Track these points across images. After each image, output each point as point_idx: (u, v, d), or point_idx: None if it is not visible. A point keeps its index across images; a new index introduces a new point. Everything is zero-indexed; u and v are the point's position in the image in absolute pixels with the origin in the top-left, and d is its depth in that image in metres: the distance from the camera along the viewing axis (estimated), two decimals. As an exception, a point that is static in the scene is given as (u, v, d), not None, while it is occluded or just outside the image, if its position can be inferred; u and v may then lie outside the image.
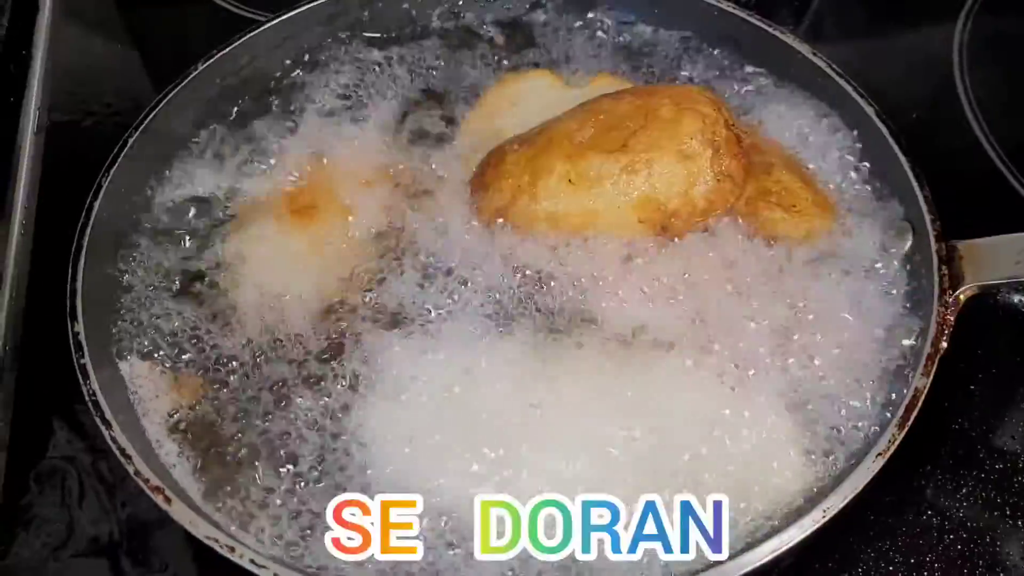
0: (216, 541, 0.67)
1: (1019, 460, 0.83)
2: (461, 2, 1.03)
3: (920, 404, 0.72)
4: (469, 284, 0.83)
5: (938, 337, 0.75)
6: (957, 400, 0.86)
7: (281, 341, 0.81)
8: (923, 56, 1.16)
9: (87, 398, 0.73)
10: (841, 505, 0.68)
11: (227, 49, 0.95)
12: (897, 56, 1.17)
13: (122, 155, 0.87)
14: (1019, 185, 1.02)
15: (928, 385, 0.73)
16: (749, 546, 0.68)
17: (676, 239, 0.84)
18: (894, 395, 0.76)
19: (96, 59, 1.17)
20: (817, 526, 0.67)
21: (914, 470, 0.82)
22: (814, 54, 0.94)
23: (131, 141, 0.88)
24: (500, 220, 0.86)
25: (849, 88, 0.91)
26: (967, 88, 1.11)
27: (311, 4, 0.99)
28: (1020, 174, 1.03)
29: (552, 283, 0.83)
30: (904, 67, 1.14)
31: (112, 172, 0.86)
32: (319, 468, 0.75)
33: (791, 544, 0.67)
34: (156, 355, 0.81)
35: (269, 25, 0.97)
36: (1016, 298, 0.91)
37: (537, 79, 0.98)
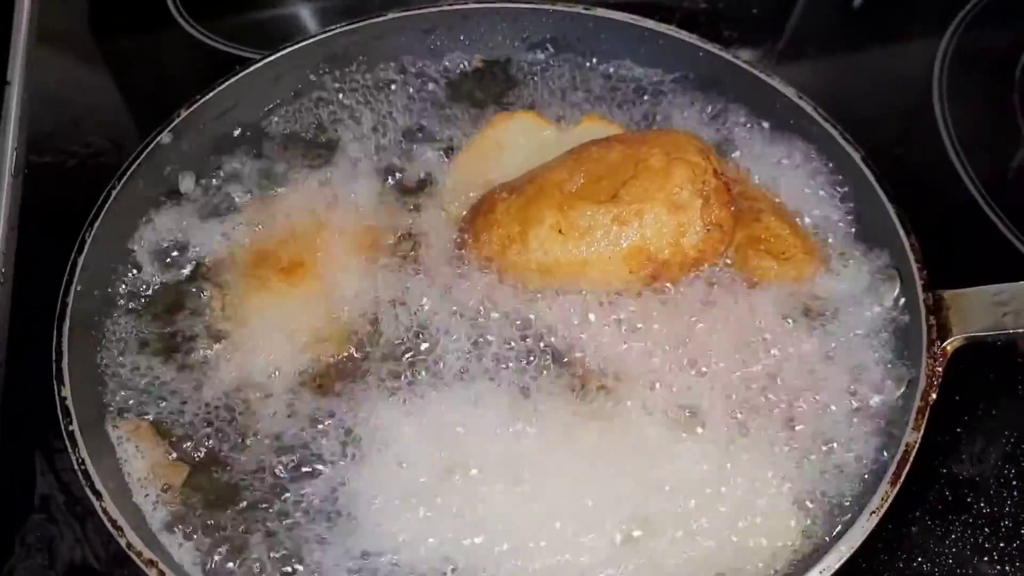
0: (212, 616, 0.66)
1: (1006, 504, 0.84)
2: (447, 43, 1.02)
3: (912, 459, 0.73)
4: (458, 337, 0.83)
5: (927, 390, 0.76)
6: (944, 444, 0.87)
7: (272, 402, 0.80)
8: (901, 87, 1.17)
9: (76, 467, 0.72)
10: (837, 566, 0.68)
11: (211, 95, 0.93)
12: (875, 88, 1.17)
13: (105, 208, 0.85)
14: (998, 220, 1.04)
15: (919, 440, 0.74)
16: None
17: (666, 289, 0.84)
18: (885, 446, 0.77)
19: (75, 96, 1.15)
20: (813, 587, 0.68)
21: (903, 515, 0.83)
22: (800, 97, 0.94)
23: (114, 193, 0.86)
24: (490, 270, 0.85)
25: (835, 132, 0.92)
26: (947, 122, 1.12)
27: (295, 46, 0.97)
28: (999, 209, 1.05)
29: (543, 335, 0.82)
30: (882, 99, 1.15)
31: (95, 226, 0.84)
32: (312, 530, 0.74)
33: (789, 606, 0.68)
34: (143, 417, 0.79)
35: (254, 68, 0.96)
36: (1001, 341, 0.92)
37: (524, 121, 0.98)
